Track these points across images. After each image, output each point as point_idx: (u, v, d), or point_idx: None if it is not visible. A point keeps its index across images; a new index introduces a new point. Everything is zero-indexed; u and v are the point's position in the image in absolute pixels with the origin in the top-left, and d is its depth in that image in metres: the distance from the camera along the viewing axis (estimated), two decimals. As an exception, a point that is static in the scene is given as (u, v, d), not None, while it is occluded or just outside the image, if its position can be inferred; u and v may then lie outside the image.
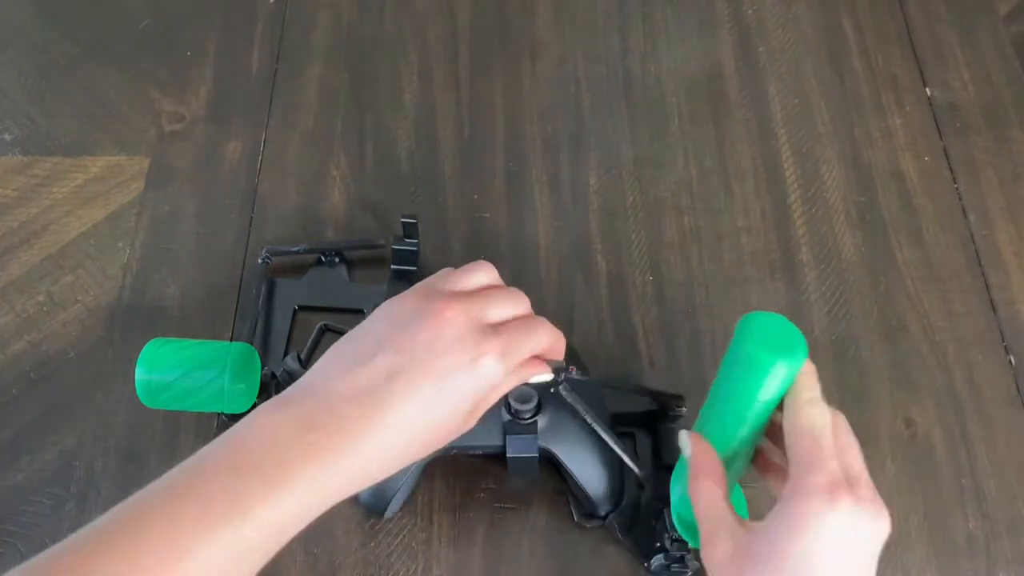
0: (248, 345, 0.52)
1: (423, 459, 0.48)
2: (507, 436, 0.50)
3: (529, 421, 0.50)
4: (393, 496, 0.51)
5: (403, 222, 0.59)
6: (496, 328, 0.42)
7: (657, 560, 0.51)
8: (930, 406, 0.58)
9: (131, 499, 0.36)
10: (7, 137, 0.68)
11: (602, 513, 0.53)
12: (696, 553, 0.50)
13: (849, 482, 0.39)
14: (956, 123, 0.70)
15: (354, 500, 0.52)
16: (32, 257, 0.63)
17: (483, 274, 0.45)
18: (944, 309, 0.62)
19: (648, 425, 0.56)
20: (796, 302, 0.62)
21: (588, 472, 0.51)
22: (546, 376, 0.47)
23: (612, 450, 0.49)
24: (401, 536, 0.53)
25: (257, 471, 0.36)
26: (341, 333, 0.59)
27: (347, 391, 0.39)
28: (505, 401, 0.50)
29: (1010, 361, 0.60)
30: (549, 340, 0.45)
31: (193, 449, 0.55)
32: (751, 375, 0.41)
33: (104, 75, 0.71)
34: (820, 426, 0.41)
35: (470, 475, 0.55)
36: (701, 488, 0.42)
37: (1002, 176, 0.67)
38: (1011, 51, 0.73)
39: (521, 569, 0.53)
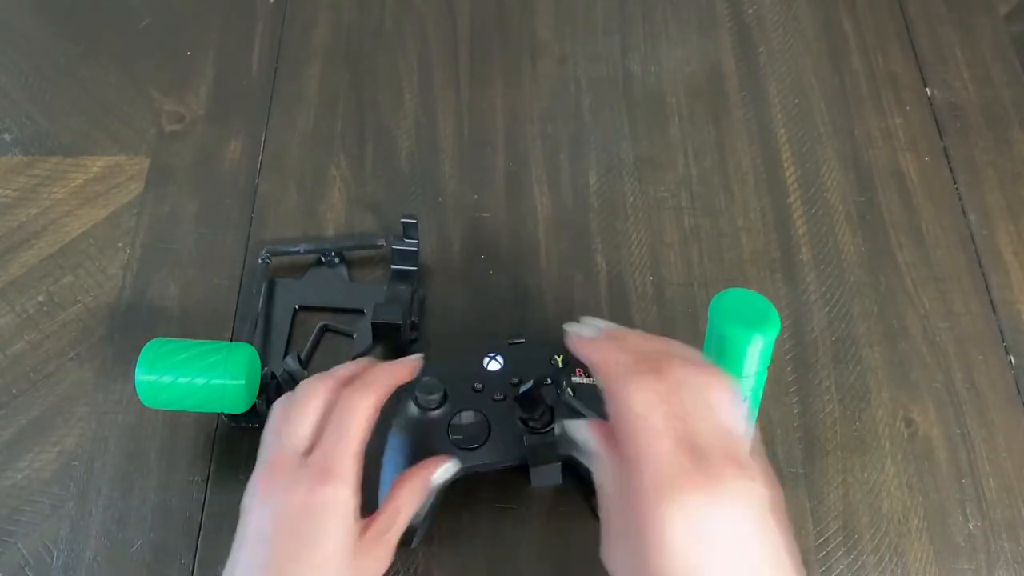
0: (248, 345, 0.52)
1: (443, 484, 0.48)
2: (526, 447, 0.49)
3: (546, 430, 0.49)
4: (418, 527, 0.50)
5: (403, 222, 0.59)
6: (308, 451, 0.41)
7: None
8: (930, 406, 0.58)
9: None
10: (7, 137, 0.68)
11: None
12: None
13: (693, 458, 0.33)
14: (956, 123, 0.70)
15: None
16: (32, 257, 0.63)
17: (304, 413, 0.43)
18: (944, 309, 0.62)
19: None
20: (796, 302, 0.62)
21: None
22: (448, 470, 0.46)
23: None
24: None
25: None
26: (341, 333, 0.60)
27: None
28: (519, 415, 0.50)
29: (1010, 361, 0.60)
30: (372, 400, 0.42)
31: (193, 448, 0.55)
32: (731, 353, 0.42)
33: (104, 75, 0.71)
34: (641, 408, 0.35)
35: (470, 475, 0.55)
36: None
37: (1002, 176, 0.67)
38: (1011, 51, 0.73)
39: (521, 569, 0.53)
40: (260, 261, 0.60)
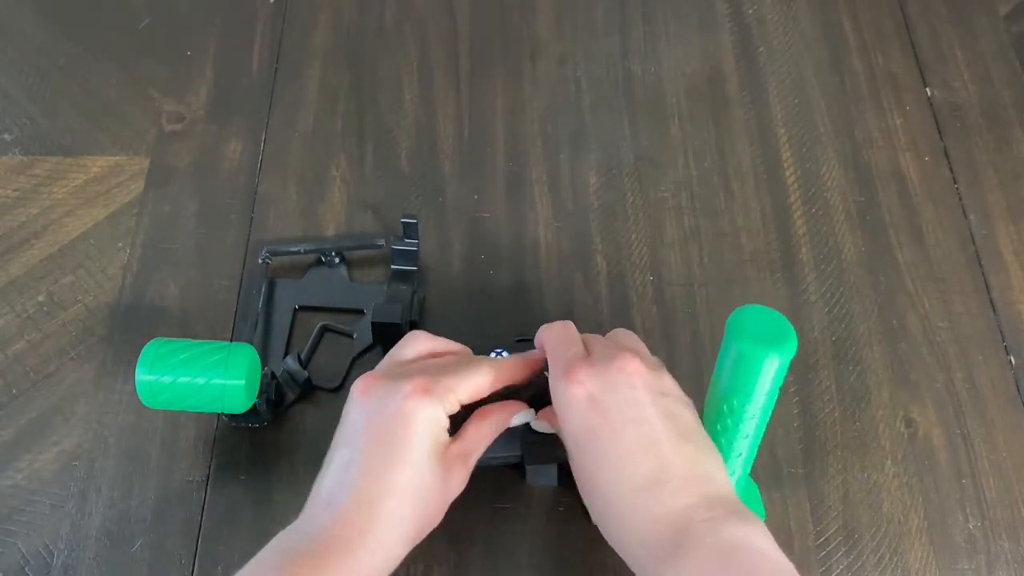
0: (248, 345, 0.52)
1: None
2: (524, 445, 0.50)
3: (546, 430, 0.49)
4: None
5: (403, 222, 0.59)
6: (413, 365, 0.45)
7: None
8: (930, 406, 0.58)
9: None
10: (7, 137, 0.68)
11: None
12: None
13: (585, 360, 0.43)
14: (956, 123, 0.70)
15: None
16: (32, 257, 0.63)
17: (414, 345, 0.48)
18: (944, 309, 0.62)
19: None
20: (796, 302, 0.62)
21: None
22: (526, 416, 0.48)
23: None
24: (401, 536, 0.53)
25: None
26: (341, 333, 0.60)
27: (323, 499, 0.42)
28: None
29: (1010, 361, 0.60)
30: (483, 374, 0.46)
31: (193, 448, 0.55)
32: (746, 370, 0.42)
33: (104, 75, 0.71)
34: (548, 338, 0.47)
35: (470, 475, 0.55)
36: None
37: (1002, 176, 0.67)
38: (1011, 51, 0.73)
39: (521, 569, 0.53)
40: (260, 261, 0.60)
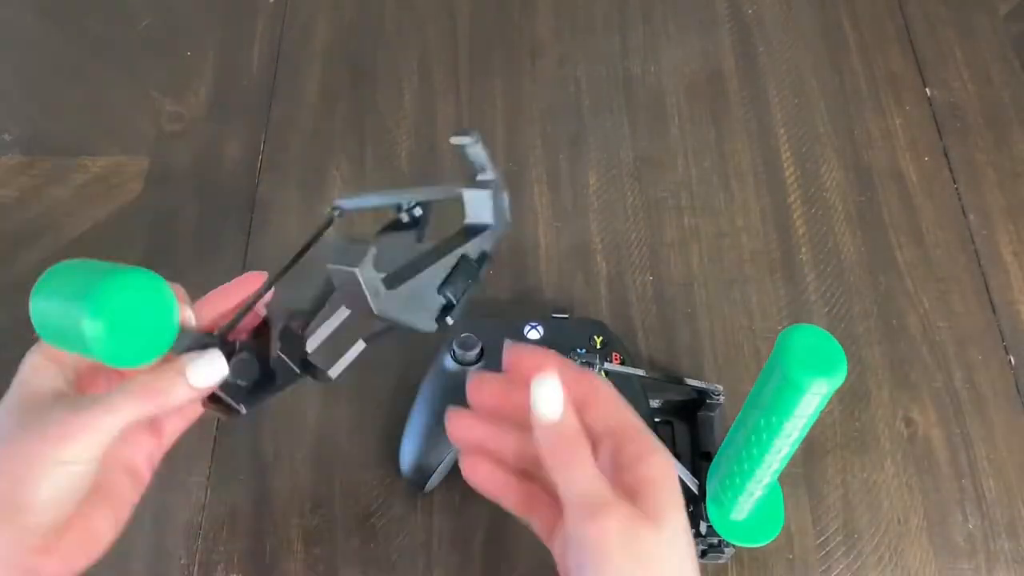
0: (145, 272, 0.35)
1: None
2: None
3: None
4: (433, 472, 0.51)
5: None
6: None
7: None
8: (930, 406, 0.58)
9: None
10: (7, 137, 0.68)
11: None
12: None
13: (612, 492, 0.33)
14: (956, 123, 0.70)
15: (397, 472, 0.53)
16: (32, 257, 0.63)
17: None
18: (944, 309, 0.62)
19: (686, 414, 0.55)
20: (796, 302, 0.62)
21: None
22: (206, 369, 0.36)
23: None
24: (401, 536, 0.53)
25: None
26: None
27: None
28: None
29: (1010, 361, 0.60)
30: None
31: (193, 448, 0.55)
32: (790, 393, 0.40)
33: (104, 75, 0.71)
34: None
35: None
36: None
37: (1002, 176, 0.67)
38: (1011, 51, 0.73)
39: (521, 569, 0.53)
40: (331, 216, 0.44)
